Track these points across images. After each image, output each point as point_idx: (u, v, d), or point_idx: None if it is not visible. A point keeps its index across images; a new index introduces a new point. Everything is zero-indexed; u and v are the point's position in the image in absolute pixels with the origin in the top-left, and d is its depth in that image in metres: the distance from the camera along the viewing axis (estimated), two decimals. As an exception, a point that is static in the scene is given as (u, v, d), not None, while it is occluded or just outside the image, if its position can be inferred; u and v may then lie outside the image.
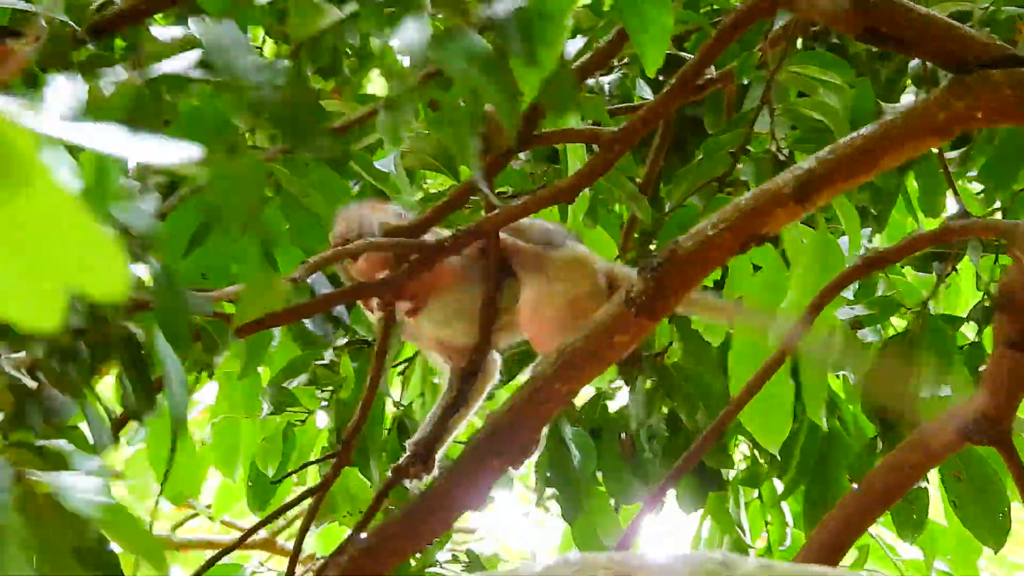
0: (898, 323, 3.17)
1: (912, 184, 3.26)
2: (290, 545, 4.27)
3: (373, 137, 3.22)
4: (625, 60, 3.21)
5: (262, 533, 4.81)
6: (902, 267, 3.36)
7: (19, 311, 0.75)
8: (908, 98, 3.22)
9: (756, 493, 3.59)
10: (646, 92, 3.23)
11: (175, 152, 0.80)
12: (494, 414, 2.24)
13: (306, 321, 2.89)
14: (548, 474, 2.91)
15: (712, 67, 2.90)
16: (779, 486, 3.47)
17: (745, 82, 3.09)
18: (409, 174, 3.04)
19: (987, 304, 3.15)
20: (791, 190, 2.22)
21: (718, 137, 2.97)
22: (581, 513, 2.89)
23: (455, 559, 3.16)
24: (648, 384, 3.01)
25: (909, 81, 3.18)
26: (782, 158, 2.92)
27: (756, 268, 3.01)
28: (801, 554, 2.37)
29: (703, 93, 3.08)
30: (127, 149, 0.79)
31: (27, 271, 0.74)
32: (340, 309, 2.88)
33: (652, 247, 3.15)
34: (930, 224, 3.29)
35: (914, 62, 3.08)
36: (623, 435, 3.05)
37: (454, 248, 2.32)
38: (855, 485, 3.22)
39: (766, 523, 3.61)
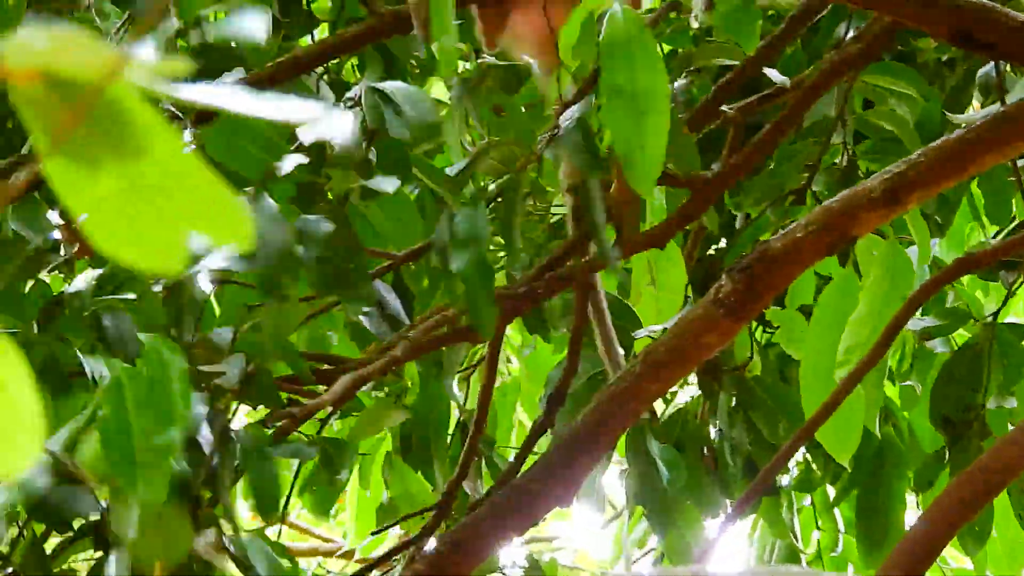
0: (965, 333, 3.17)
1: (976, 189, 3.26)
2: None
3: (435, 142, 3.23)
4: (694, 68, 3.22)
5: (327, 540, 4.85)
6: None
7: (145, 257, 0.77)
8: (973, 109, 3.22)
9: (808, 498, 3.60)
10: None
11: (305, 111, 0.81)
12: (583, 413, 2.25)
13: (363, 318, 2.90)
14: (635, 491, 2.90)
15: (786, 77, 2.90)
16: (831, 492, 3.48)
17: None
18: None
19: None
20: (880, 193, 2.24)
21: (790, 146, 2.98)
22: (673, 528, 2.89)
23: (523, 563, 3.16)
24: (728, 398, 3.02)
25: (976, 91, 3.19)
26: (859, 172, 2.93)
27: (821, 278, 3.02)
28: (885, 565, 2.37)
29: (772, 101, 3.08)
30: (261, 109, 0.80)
31: (153, 220, 0.77)
32: (398, 307, 2.88)
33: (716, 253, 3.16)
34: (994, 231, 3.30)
35: (982, 71, 3.09)
36: (705, 449, 3.05)
37: (547, 294, 2.36)
38: (915, 495, 3.25)
39: (817, 527, 3.62)
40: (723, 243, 3.21)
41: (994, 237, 3.29)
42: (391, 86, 2.27)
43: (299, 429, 2.14)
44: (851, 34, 2.94)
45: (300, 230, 1.99)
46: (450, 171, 2.96)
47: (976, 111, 3.12)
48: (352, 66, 3.31)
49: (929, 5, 2.19)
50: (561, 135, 2.15)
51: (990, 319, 3.01)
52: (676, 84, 3.20)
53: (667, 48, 3.19)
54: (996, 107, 2.60)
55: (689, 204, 2.40)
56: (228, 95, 0.76)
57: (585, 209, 2.17)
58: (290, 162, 1.99)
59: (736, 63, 2.90)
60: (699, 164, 2.44)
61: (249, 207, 1.98)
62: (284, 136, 2.04)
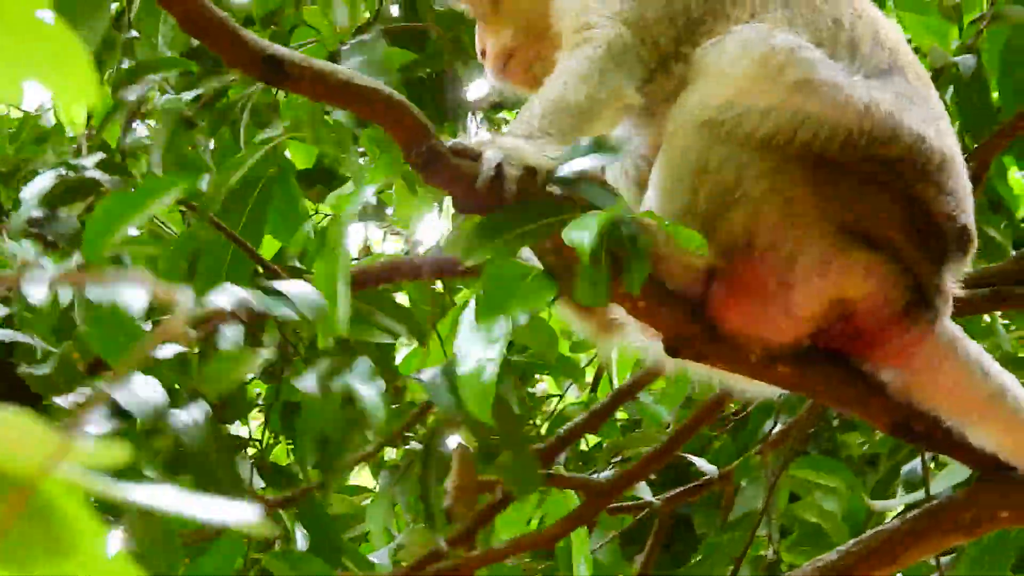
0: None
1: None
2: None
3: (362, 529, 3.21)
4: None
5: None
6: None
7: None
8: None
9: None
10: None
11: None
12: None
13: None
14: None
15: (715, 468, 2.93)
16: None
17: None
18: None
19: None
20: (812, 584, 2.22)
21: (717, 539, 2.97)
22: None
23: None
24: None
25: (901, 485, 3.22)
26: (783, 565, 2.92)
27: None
28: None
29: (700, 492, 3.09)
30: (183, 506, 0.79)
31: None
32: None
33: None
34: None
35: (907, 466, 3.12)
36: None
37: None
38: None
39: None
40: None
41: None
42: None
43: None
44: (778, 427, 2.99)
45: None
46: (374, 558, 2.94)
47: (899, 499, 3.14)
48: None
49: (871, 399, 2.24)
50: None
51: None
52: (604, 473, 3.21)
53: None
54: (921, 495, 2.63)
55: (584, 508, 2.38)
56: (158, 494, 0.75)
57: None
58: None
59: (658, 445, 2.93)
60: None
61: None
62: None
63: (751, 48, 2.84)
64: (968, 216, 2.71)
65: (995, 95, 4.86)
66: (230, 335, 2.15)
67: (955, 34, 4.98)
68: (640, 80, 2.91)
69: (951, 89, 4.71)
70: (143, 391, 2.08)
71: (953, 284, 2.49)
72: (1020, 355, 3.86)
